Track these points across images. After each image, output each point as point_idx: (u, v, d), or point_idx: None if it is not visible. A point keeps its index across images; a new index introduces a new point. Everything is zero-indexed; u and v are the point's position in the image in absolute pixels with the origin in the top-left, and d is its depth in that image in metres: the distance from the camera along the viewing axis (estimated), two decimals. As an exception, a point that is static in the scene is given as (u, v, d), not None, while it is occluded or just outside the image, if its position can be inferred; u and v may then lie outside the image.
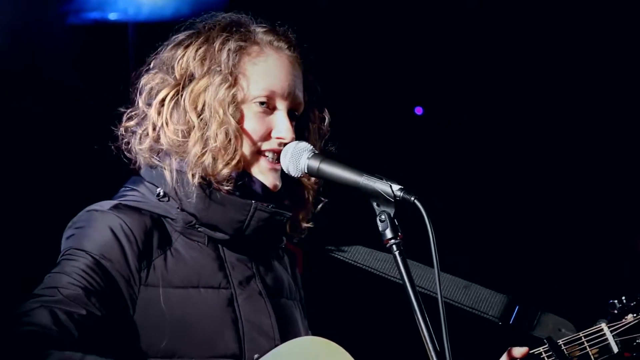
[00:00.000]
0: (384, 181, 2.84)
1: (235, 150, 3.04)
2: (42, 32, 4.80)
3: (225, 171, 3.02)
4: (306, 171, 3.02)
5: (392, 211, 2.82)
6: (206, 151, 3.01)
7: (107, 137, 3.18)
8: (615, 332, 3.37)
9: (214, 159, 3.01)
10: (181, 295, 2.99)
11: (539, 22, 5.80)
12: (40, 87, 4.72)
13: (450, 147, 5.98)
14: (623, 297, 3.41)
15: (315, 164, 2.98)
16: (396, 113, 5.92)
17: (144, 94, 3.11)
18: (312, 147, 3.04)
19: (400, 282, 2.80)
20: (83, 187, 4.39)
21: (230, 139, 3.03)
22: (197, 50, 3.09)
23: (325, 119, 3.27)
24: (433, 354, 2.73)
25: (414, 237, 2.84)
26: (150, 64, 3.17)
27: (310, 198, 3.23)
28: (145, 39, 3.19)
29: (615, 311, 3.40)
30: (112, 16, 5.04)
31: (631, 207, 5.95)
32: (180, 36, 3.16)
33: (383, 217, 2.82)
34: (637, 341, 3.36)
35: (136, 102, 3.14)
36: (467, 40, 5.84)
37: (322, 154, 3.03)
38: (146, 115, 3.10)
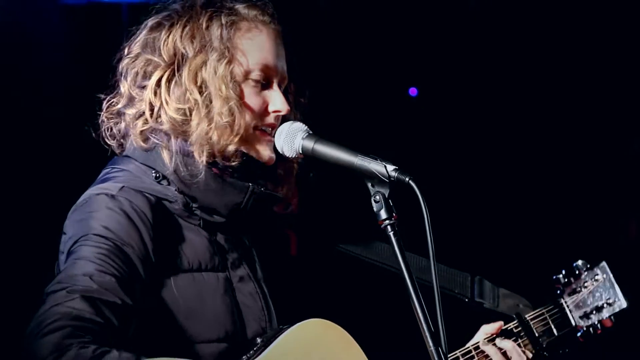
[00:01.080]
0: (379, 162, 2.84)
1: (240, 125, 3.02)
2: (35, 12, 4.78)
3: (232, 147, 3.02)
4: (300, 151, 3.01)
5: (386, 192, 2.82)
6: (211, 128, 2.99)
7: (99, 118, 3.15)
8: (570, 307, 3.57)
9: (220, 136, 3.00)
10: (188, 278, 2.98)
11: (538, 8, 5.79)
12: (33, 68, 4.70)
13: (443, 128, 5.98)
14: (563, 271, 3.63)
15: (310, 144, 2.98)
16: (390, 94, 5.91)
17: (129, 78, 3.07)
18: (306, 127, 3.04)
19: (394, 267, 2.80)
20: (77, 168, 4.38)
21: (234, 115, 3.01)
22: (182, 29, 3.05)
23: (304, 91, 3.26)
24: (427, 334, 2.74)
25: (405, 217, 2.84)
26: (127, 48, 3.12)
27: (294, 173, 3.22)
28: (140, 20, 3.16)
29: (562, 287, 3.61)
30: (106, -4, 5.03)
31: (620, 191, 5.98)
32: (157, 18, 3.11)
33: (378, 197, 2.82)
34: (586, 313, 3.57)
35: (118, 87, 3.10)
36: (462, 22, 5.83)
37: (317, 134, 3.02)
38: (134, 98, 3.06)
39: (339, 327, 3.09)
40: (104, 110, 3.12)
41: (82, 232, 2.87)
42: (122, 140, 3.11)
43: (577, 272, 3.62)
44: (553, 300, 3.59)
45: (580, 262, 3.62)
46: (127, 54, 3.11)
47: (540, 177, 5.96)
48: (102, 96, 3.14)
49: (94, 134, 3.14)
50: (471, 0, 5.88)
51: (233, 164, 3.03)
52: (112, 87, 3.14)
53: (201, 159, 2.99)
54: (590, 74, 5.85)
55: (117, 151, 3.13)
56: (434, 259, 2.76)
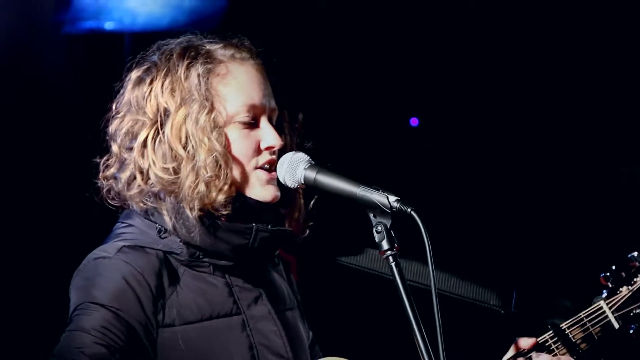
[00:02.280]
0: (381, 192, 2.85)
1: (227, 175, 3.01)
2: (37, 41, 4.80)
3: (221, 197, 3.00)
4: (302, 182, 3.01)
5: (388, 222, 2.83)
6: (199, 182, 2.98)
7: (99, 147, 3.16)
8: (613, 308, 3.35)
9: (208, 188, 2.99)
10: (197, 330, 2.97)
11: (541, 27, 5.81)
12: (35, 97, 4.71)
13: (445, 157, 5.99)
14: (613, 267, 3.38)
15: (312, 174, 2.98)
16: (391, 124, 5.92)
17: (118, 140, 3.07)
18: (308, 157, 3.04)
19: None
20: (74, 196, 4.39)
21: (220, 165, 3.00)
22: (162, 84, 3.04)
23: (296, 116, 3.24)
24: (429, 365, 2.74)
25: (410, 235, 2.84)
26: (114, 109, 3.12)
27: (301, 198, 3.21)
28: (142, 48, 3.16)
29: (610, 284, 3.38)
30: (108, 25, 5.03)
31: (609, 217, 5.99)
32: (138, 74, 3.10)
33: (379, 228, 2.83)
34: (634, 312, 3.34)
35: (110, 149, 3.11)
36: (466, 47, 5.84)
37: (319, 164, 3.03)
38: (126, 160, 3.06)
39: None
40: (101, 174, 3.12)
41: (80, 299, 2.90)
42: (124, 201, 3.10)
43: (629, 264, 3.36)
44: (594, 303, 3.38)
45: (635, 253, 3.35)
46: (115, 115, 3.11)
47: (534, 193, 5.99)
48: (97, 160, 3.13)
49: (96, 198, 3.14)
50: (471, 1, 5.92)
51: (225, 213, 3.02)
52: (105, 149, 3.14)
53: (193, 214, 2.98)
54: (581, 100, 5.88)
55: (120, 208, 3.12)
56: (436, 288, 2.77)
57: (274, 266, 3.29)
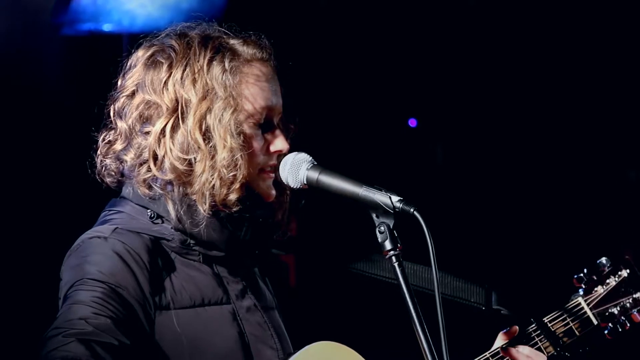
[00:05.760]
0: (383, 192, 2.85)
1: (243, 175, 3.00)
2: (36, 43, 4.79)
3: (233, 196, 2.99)
4: (305, 182, 3.01)
5: (391, 222, 2.83)
6: (215, 179, 2.97)
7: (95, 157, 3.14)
8: (591, 305, 3.49)
9: (223, 187, 2.98)
10: (191, 315, 2.98)
11: (542, 28, 5.82)
12: (34, 99, 4.71)
13: (445, 157, 6.01)
14: (585, 270, 3.55)
15: (315, 175, 2.98)
16: (391, 124, 5.93)
17: (128, 120, 3.02)
18: (311, 158, 3.04)
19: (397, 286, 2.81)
20: (74, 197, 4.39)
21: (238, 165, 2.99)
22: (183, 72, 3.00)
23: (294, 118, 3.23)
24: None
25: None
26: (119, 81, 3.09)
27: (287, 198, 3.21)
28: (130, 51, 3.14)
29: (583, 285, 3.54)
30: (107, 27, 5.03)
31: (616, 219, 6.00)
32: (150, 52, 3.06)
33: (382, 228, 2.83)
34: (609, 311, 3.49)
35: (114, 125, 3.06)
36: (466, 47, 5.85)
37: (322, 165, 3.02)
38: (136, 143, 3.02)
39: (349, 348, 3.09)
40: (101, 149, 3.09)
41: (77, 277, 2.88)
42: (119, 178, 3.09)
43: (599, 269, 3.55)
44: (573, 300, 3.53)
45: (603, 259, 3.54)
46: (121, 90, 3.06)
47: (539, 198, 5.99)
48: (97, 134, 3.10)
49: (89, 171, 3.11)
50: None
51: (234, 210, 3.02)
52: (106, 123, 3.10)
53: (204, 208, 2.98)
54: (586, 105, 5.89)
55: (112, 187, 3.11)
56: (439, 290, 2.77)
57: (257, 265, 3.27)
